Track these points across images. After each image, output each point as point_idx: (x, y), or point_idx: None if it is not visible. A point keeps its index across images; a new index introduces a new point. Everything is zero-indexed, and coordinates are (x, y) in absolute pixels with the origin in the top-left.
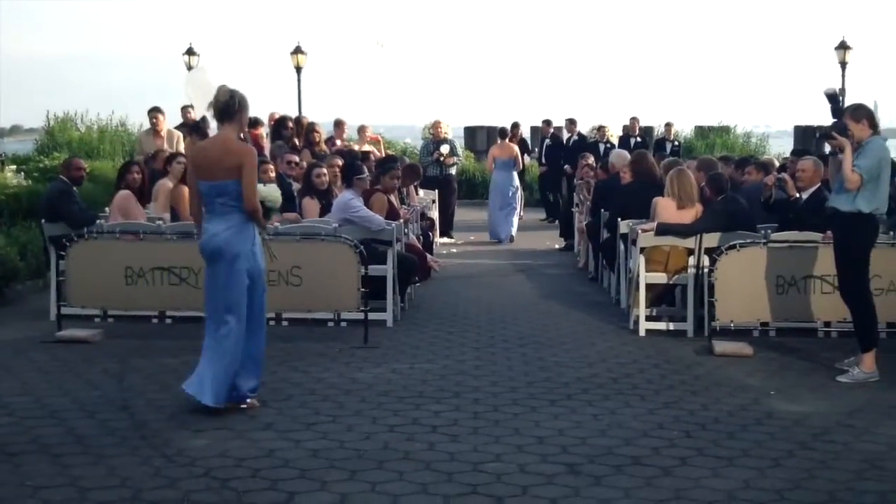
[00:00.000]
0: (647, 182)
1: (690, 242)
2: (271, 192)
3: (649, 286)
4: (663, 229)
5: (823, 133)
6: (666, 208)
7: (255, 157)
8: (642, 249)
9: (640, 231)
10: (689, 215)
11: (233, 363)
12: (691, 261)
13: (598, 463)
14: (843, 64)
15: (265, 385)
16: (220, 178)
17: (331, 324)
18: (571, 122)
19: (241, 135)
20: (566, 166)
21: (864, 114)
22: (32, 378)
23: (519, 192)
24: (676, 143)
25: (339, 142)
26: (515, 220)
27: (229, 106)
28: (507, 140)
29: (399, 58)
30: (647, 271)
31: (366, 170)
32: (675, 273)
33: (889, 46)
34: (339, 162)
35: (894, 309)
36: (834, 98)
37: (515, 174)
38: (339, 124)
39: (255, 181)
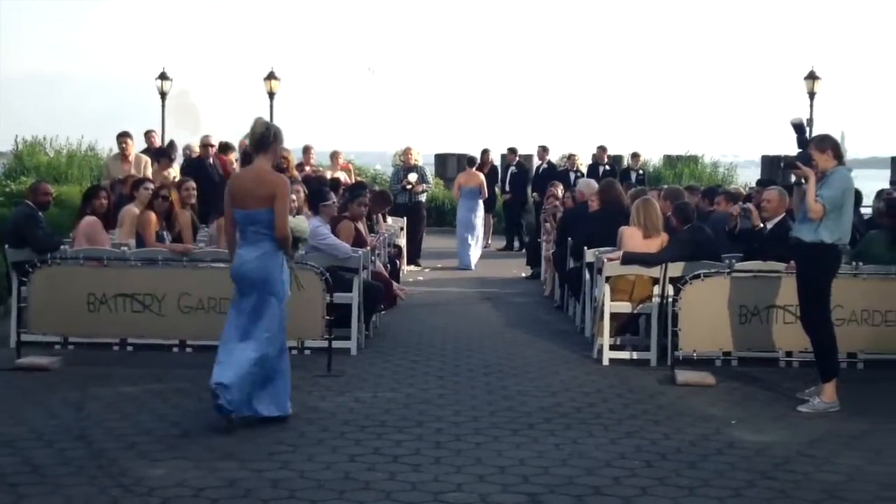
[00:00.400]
0: (614, 210)
1: (655, 272)
2: (300, 223)
3: (614, 315)
4: (629, 258)
5: (788, 163)
6: (632, 237)
7: (287, 188)
8: (608, 278)
9: (605, 260)
10: (654, 244)
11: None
12: (656, 290)
13: (559, 493)
14: (812, 94)
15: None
16: (252, 206)
17: (294, 352)
18: (543, 150)
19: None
20: (534, 194)
21: (829, 144)
22: None
23: (482, 220)
24: (641, 172)
25: (307, 167)
26: (478, 248)
27: (265, 137)
28: (473, 168)
29: (371, 84)
30: (612, 300)
31: (332, 196)
32: (639, 302)
33: (857, 77)
34: (300, 189)
35: (855, 339)
36: (800, 128)
37: (481, 202)
38: (306, 150)
39: (286, 211)
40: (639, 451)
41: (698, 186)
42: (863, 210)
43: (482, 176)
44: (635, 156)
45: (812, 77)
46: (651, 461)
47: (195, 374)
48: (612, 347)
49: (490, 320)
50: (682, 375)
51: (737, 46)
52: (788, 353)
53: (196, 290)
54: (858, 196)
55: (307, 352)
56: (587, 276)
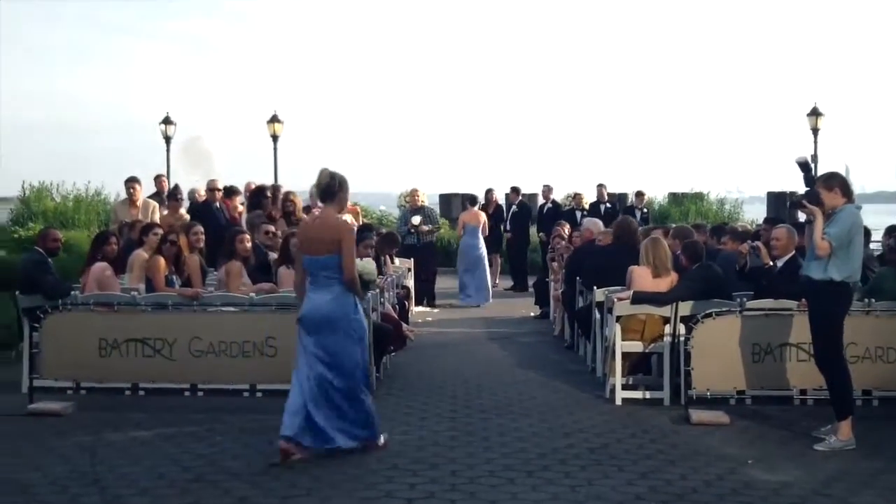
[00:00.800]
0: (626, 245)
1: (666, 311)
2: (367, 266)
3: (625, 355)
4: (639, 298)
5: (795, 201)
6: (642, 277)
7: (353, 234)
8: (618, 318)
9: (616, 299)
10: (664, 283)
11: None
12: (667, 329)
13: None
14: (815, 130)
15: (239, 458)
16: (322, 253)
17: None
18: (547, 189)
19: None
20: (540, 234)
21: (836, 182)
22: (2, 452)
23: (485, 256)
24: (646, 210)
25: (315, 210)
26: (487, 286)
27: (330, 186)
28: (475, 207)
29: (376, 125)
30: (623, 339)
31: None
32: (651, 341)
33: (861, 111)
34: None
35: (869, 376)
36: (806, 166)
37: (482, 238)
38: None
39: (353, 255)
40: (654, 491)
41: (705, 224)
42: (872, 246)
43: (483, 214)
44: (639, 194)
45: (815, 113)
46: (667, 501)
47: (206, 417)
48: (625, 387)
49: (500, 360)
50: (696, 415)
51: (739, 83)
52: (803, 392)
53: (206, 333)
54: (867, 233)
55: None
56: (597, 315)
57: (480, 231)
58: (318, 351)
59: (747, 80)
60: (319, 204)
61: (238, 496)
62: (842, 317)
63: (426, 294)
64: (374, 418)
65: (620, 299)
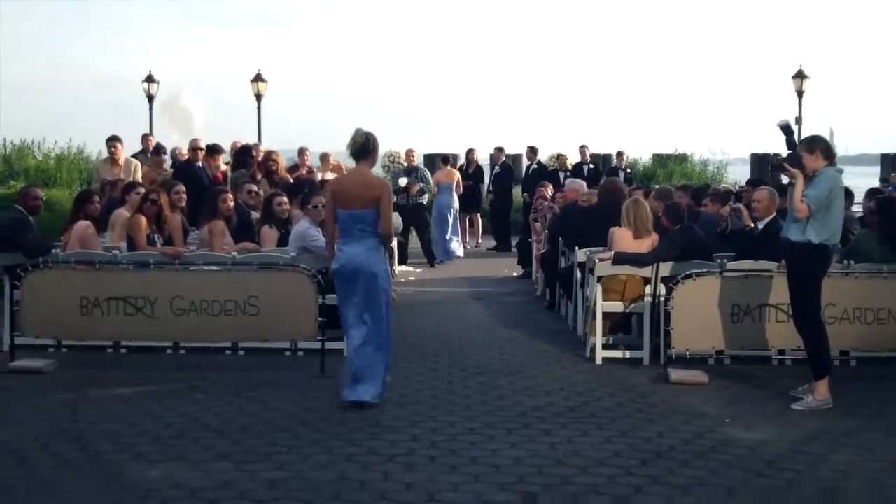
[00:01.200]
0: (614, 206)
1: (647, 271)
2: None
3: (606, 315)
4: (620, 258)
5: (776, 164)
6: (623, 238)
7: (391, 191)
8: (599, 279)
9: (597, 260)
10: (645, 244)
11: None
12: (648, 290)
13: (555, 492)
14: (800, 92)
15: (220, 415)
16: (358, 208)
17: (287, 353)
18: (532, 150)
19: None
20: (524, 195)
21: (818, 145)
22: None
23: (456, 215)
24: (629, 170)
25: (303, 169)
26: (458, 243)
27: (365, 146)
28: (448, 166)
29: (361, 84)
30: (604, 300)
31: (319, 199)
32: (631, 302)
33: (846, 74)
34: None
35: (847, 337)
36: (787, 129)
37: (455, 196)
38: (302, 151)
39: (391, 211)
40: (633, 449)
41: (691, 185)
42: (854, 209)
43: (457, 173)
44: (620, 154)
45: (801, 76)
46: (646, 459)
47: (188, 375)
48: (605, 346)
49: (482, 320)
50: (676, 374)
51: (725, 44)
52: (781, 352)
53: (188, 292)
54: (850, 195)
55: (300, 353)
56: (578, 275)
57: (455, 189)
58: (355, 299)
59: (733, 41)
60: (348, 163)
61: (219, 453)
62: (820, 278)
63: (426, 254)
64: (387, 374)
65: (602, 260)
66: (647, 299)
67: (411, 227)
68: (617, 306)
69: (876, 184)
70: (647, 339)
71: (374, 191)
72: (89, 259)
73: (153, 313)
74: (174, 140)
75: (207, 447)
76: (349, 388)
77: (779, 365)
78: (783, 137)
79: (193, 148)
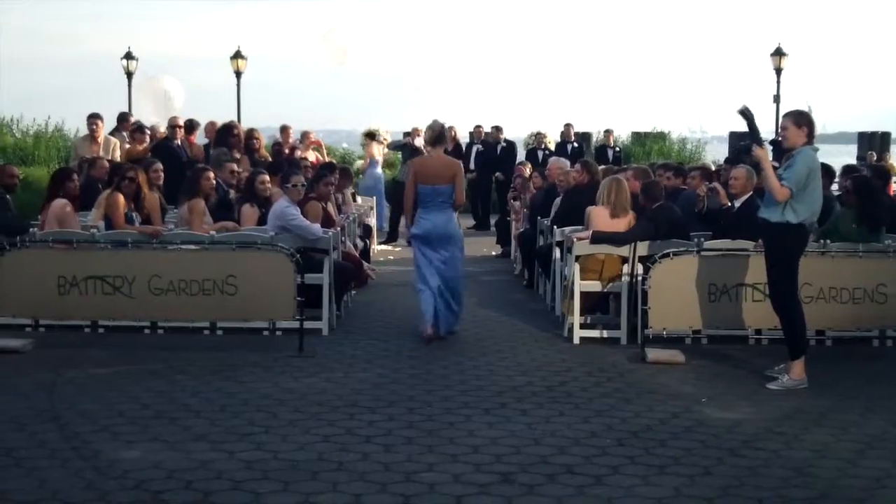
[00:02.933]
0: (595, 185)
1: (624, 251)
2: None
3: (584, 294)
4: (598, 237)
5: (742, 149)
6: (599, 216)
7: (462, 169)
8: (577, 258)
9: (574, 239)
10: (622, 224)
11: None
12: (625, 269)
13: (532, 472)
14: (779, 70)
15: (198, 395)
16: (439, 183)
17: (266, 333)
18: (497, 129)
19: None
20: (497, 174)
21: (806, 121)
22: None
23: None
24: (618, 149)
25: (286, 147)
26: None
27: (442, 134)
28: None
29: (339, 64)
30: (581, 279)
31: (298, 178)
32: (609, 281)
33: (825, 52)
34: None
35: (823, 316)
36: (747, 114)
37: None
38: (284, 129)
39: (464, 185)
40: (610, 429)
41: (673, 164)
42: (833, 187)
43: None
44: (608, 133)
45: (779, 53)
46: (622, 439)
47: (166, 355)
48: (583, 326)
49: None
50: (652, 354)
51: (704, 21)
52: (758, 331)
53: (166, 272)
54: (831, 174)
55: (279, 333)
56: (557, 254)
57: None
58: (439, 258)
59: (711, 19)
60: (426, 147)
61: (197, 433)
62: (797, 258)
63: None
64: (459, 312)
65: (580, 238)
66: (625, 279)
67: None
68: (594, 286)
69: (853, 162)
70: (624, 319)
71: (452, 169)
72: (67, 238)
73: (131, 293)
74: (151, 121)
75: (185, 427)
76: (429, 324)
77: (755, 344)
78: (744, 123)
79: (172, 126)
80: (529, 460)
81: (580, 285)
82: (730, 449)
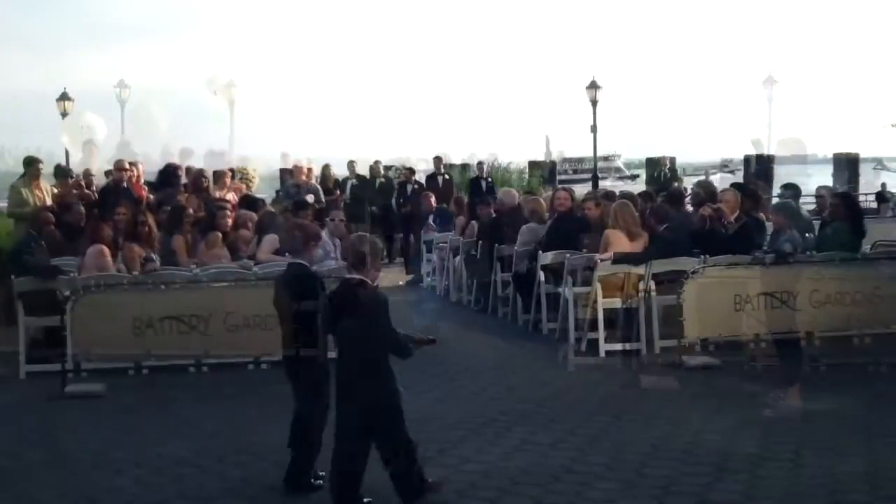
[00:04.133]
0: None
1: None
2: None
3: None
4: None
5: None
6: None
7: None
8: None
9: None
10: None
11: None
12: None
13: (520, 494)
14: (770, 98)
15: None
16: None
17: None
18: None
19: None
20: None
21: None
22: None
23: None
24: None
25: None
26: None
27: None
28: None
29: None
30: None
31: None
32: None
33: (817, 78)
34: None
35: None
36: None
37: None
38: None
39: None
40: (602, 452)
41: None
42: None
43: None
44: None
45: (770, 81)
46: (614, 463)
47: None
48: (577, 353)
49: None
50: (646, 380)
51: (697, 49)
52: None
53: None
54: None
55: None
56: (541, 276)
57: None
58: None
59: (704, 48)
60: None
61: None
62: None
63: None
64: None
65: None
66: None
67: None
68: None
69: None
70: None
71: None
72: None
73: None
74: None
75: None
76: None
77: (750, 371)
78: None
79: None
80: (519, 481)
81: (574, 307)
82: (725, 471)
